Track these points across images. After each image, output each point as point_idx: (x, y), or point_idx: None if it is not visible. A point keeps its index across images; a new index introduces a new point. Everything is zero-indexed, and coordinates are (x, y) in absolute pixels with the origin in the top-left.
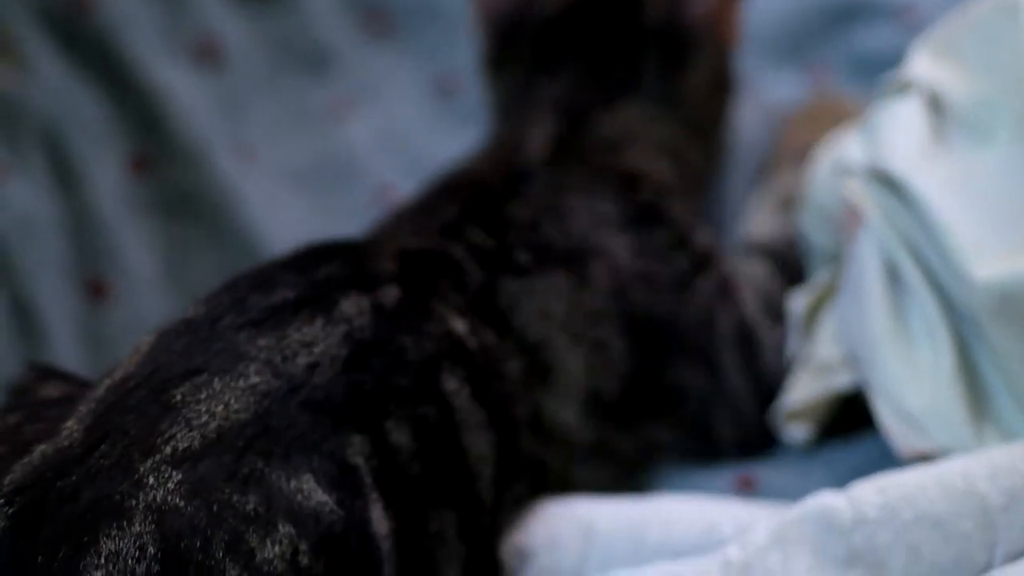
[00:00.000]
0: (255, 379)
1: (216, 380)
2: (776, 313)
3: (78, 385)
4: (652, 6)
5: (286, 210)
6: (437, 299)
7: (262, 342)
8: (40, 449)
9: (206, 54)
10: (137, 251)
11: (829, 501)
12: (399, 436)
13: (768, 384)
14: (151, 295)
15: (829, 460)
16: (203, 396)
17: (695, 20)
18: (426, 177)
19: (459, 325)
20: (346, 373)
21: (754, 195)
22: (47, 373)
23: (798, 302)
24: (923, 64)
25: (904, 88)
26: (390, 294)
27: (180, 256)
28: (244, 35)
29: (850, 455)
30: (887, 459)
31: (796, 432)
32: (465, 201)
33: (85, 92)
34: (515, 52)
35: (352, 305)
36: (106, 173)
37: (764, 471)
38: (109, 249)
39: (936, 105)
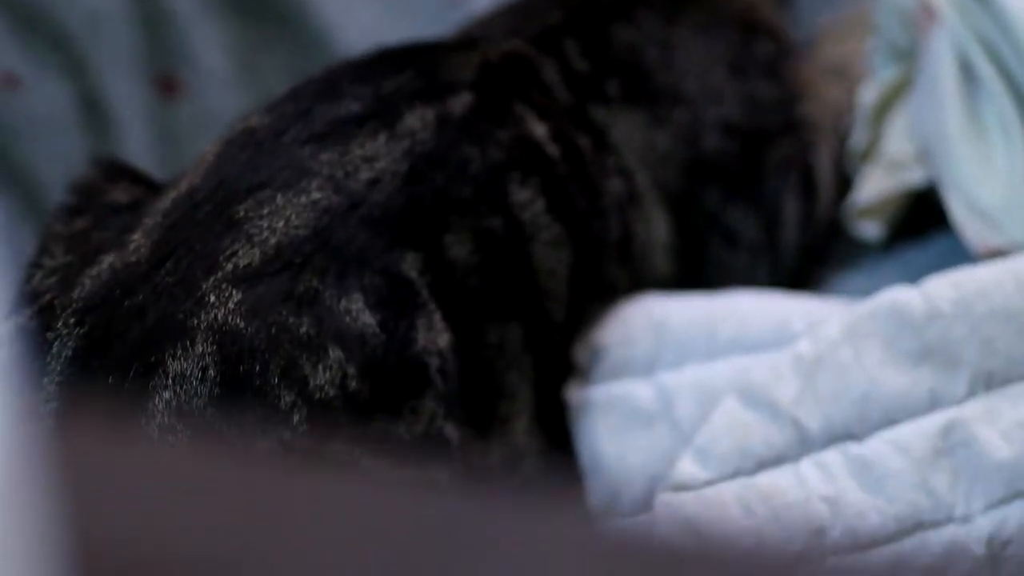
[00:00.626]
0: (316, 195)
1: (279, 196)
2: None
3: (145, 186)
4: None
5: (360, 9)
6: (519, 100)
7: (324, 156)
8: (108, 261)
9: None
10: (209, 49)
11: (902, 296)
12: (459, 250)
13: (816, 240)
14: (223, 93)
15: (901, 258)
16: (265, 212)
17: None
18: None
19: (539, 129)
20: (406, 187)
21: None
22: (114, 170)
23: (868, 95)
24: None
25: None
26: (461, 102)
27: (252, 55)
28: None
29: (923, 253)
30: (960, 257)
31: (868, 229)
32: (572, 8)
33: None
34: None
35: (416, 118)
36: None
37: (836, 270)
38: (180, 46)
39: None
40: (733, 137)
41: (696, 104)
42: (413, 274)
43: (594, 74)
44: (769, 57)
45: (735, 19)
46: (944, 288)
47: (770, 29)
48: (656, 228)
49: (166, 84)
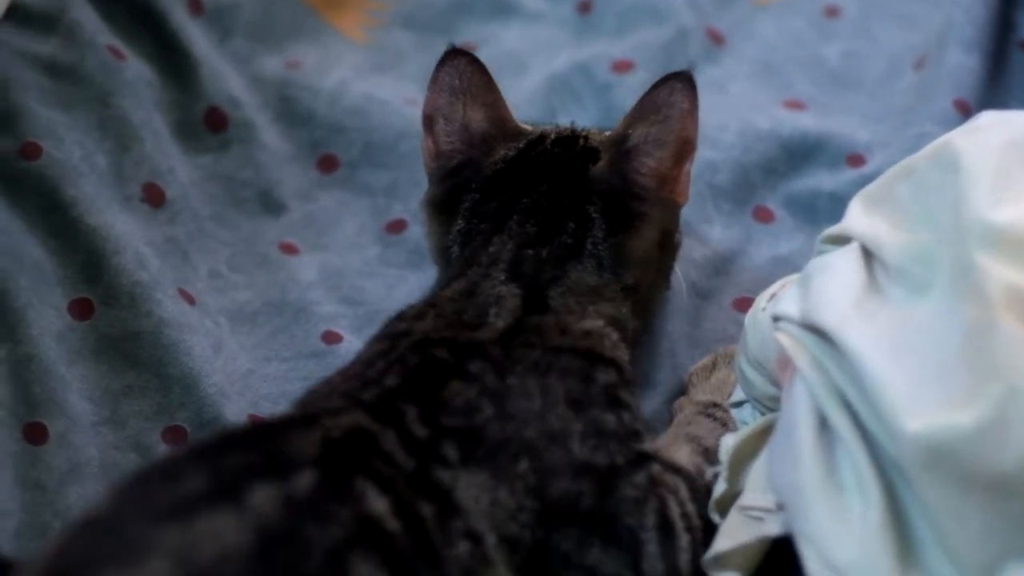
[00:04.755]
0: (156, 567)
1: (112, 571)
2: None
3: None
4: (601, 164)
5: (230, 356)
6: (360, 475)
7: (168, 534)
8: None
9: (152, 197)
10: (77, 397)
11: None
12: None
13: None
14: (91, 441)
15: None
16: None
17: (644, 181)
18: (370, 322)
19: (379, 504)
20: (252, 566)
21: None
22: None
23: (730, 444)
24: (861, 216)
25: (842, 240)
26: (304, 480)
27: (122, 402)
28: (191, 178)
29: None
30: None
31: None
32: (408, 371)
33: (28, 236)
34: (461, 198)
35: (262, 495)
36: (48, 317)
37: None
38: (49, 395)
39: (873, 257)
40: (583, 476)
41: (539, 450)
42: None
43: (432, 439)
44: (611, 385)
45: (571, 351)
46: None
47: (609, 359)
48: None
49: (34, 431)
